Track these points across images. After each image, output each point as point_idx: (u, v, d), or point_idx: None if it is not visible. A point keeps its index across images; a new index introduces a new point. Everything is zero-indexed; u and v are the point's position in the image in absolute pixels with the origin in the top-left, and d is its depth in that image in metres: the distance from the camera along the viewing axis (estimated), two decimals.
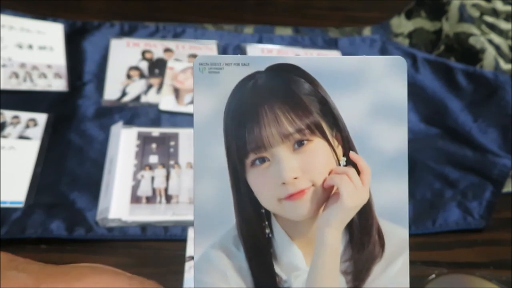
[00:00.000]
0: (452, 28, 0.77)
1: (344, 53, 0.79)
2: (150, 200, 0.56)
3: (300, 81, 0.22)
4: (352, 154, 0.22)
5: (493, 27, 0.78)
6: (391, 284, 0.22)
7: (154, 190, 0.57)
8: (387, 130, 0.22)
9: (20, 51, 0.69)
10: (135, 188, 0.57)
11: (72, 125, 0.63)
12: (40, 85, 0.67)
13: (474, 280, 0.51)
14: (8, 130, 0.61)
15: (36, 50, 0.70)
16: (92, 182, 0.57)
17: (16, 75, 0.67)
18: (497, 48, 0.75)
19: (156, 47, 0.75)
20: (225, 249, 0.22)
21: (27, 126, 0.62)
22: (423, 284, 0.50)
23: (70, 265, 0.22)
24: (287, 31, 0.83)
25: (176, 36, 0.78)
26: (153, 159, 0.60)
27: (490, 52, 0.72)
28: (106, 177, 0.58)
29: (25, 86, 0.66)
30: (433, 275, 0.50)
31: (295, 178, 0.22)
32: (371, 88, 0.22)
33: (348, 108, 0.22)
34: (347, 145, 0.22)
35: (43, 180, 0.57)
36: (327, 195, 0.22)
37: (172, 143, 0.62)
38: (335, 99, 0.22)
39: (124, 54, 0.73)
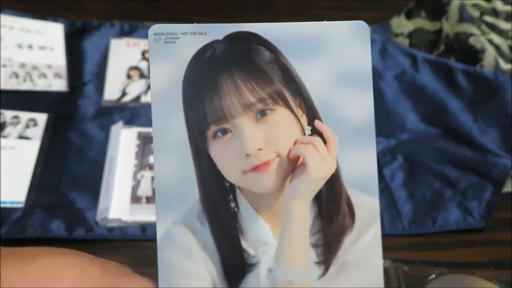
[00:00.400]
0: (452, 28, 0.77)
1: None
2: (150, 200, 0.56)
3: (260, 49, 0.21)
4: (317, 123, 0.22)
5: (493, 27, 0.78)
6: (363, 256, 0.21)
7: (154, 190, 0.57)
8: (352, 97, 0.22)
9: (20, 51, 0.69)
10: (135, 188, 0.57)
11: (72, 125, 0.63)
12: (40, 85, 0.67)
13: (474, 280, 0.51)
14: (8, 130, 0.61)
15: (36, 50, 0.70)
16: (92, 182, 0.57)
17: (16, 75, 0.67)
18: (497, 48, 0.75)
19: None
20: (189, 225, 0.21)
21: (27, 126, 0.62)
22: (423, 284, 0.50)
23: (25, 247, 0.22)
24: None
25: None
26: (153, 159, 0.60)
27: (490, 52, 0.72)
28: (106, 177, 0.58)
29: (25, 86, 0.66)
30: (433, 275, 0.50)
31: (259, 149, 0.21)
32: (334, 55, 0.21)
33: (311, 76, 0.21)
34: (312, 114, 0.22)
35: (43, 180, 0.57)
36: (293, 166, 0.21)
37: None
38: (297, 67, 0.21)
39: (124, 54, 0.73)
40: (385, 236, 0.59)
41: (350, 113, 0.22)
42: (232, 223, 0.21)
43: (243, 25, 0.21)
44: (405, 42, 0.82)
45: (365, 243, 0.21)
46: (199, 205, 0.21)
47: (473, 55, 0.73)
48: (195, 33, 0.21)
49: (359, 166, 0.21)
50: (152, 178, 0.58)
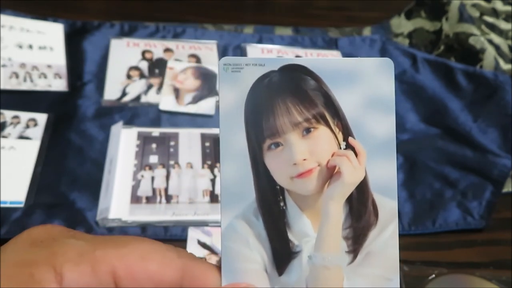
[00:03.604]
0: (452, 28, 0.77)
1: (344, 53, 0.79)
2: (150, 200, 0.56)
3: (307, 78, 0.26)
4: (350, 139, 0.27)
5: (493, 27, 0.78)
6: (384, 247, 0.27)
7: (154, 190, 0.57)
8: (378, 119, 0.27)
9: (20, 51, 0.69)
10: (135, 188, 0.57)
11: (72, 125, 0.63)
12: (40, 85, 0.67)
13: (474, 280, 0.51)
14: (8, 130, 0.61)
15: (36, 50, 0.70)
16: (92, 182, 0.57)
17: (16, 75, 0.67)
18: (497, 48, 0.75)
19: (156, 47, 0.75)
20: (247, 219, 0.26)
21: (27, 126, 0.62)
22: (423, 284, 0.50)
23: (116, 235, 0.26)
24: (287, 31, 0.83)
25: (176, 36, 0.78)
26: (153, 159, 0.60)
27: (490, 52, 0.72)
28: (106, 177, 0.58)
29: (25, 86, 0.66)
30: (433, 275, 0.50)
31: (304, 159, 0.26)
32: (365, 85, 0.27)
33: (346, 101, 0.27)
34: (346, 132, 0.27)
35: (43, 180, 0.57)
36: (330, 173, 0.26)
37: (172, 143, 0.62)
38: (336, 94, 0.27)
39: (124, 54, 0.73)
40: None
41: (376, 132, 0.27)
42: (281, 218, 0.27)
43: (295, 59, 0.27)
44: (405, 42, 0.82)
45: (386, 237, 0.27)
46: (255, 203, 0.26)
47: (473, 55, 0.73)
48: (256, 64, 0.26)
49: (383, 174, 0.27)
50: (152, 178, 0.58)
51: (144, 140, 0.62)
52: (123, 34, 0.77)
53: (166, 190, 0.57)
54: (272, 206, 0.27)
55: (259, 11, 0.88)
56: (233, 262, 0.26)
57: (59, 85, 0.68)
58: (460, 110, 0.68)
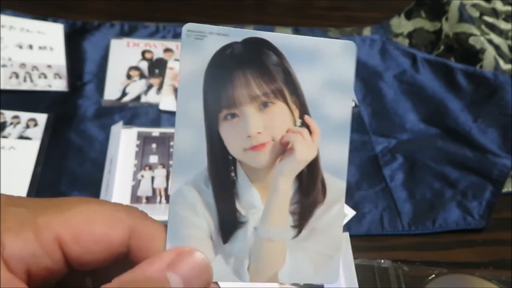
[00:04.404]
0: (452, 28, 0.77)
1: None
2: (150, 200, 0.56)
3: (269, 53, 0.26)
4: (306, 117, 0.27)
5: (493, 27, 0.78)
6: (328, 225, 0.27)
7: (154, 190, 0.57)
8: (335, 101, 0.27)
9: (20, 51, 0.69)
10: (135, 188, 0.57)
11: (72, 125, 0.63)
12: (40, 85, 0.67)
13: (474, 280, 0.51)
14: (8, 130, 0.61)
15: (36, 50, 0.70)
16: (92, 182, 0.57)
17: (16, 75, 0.67)
18: (497, 48, 0.75)
19: (156, 47, 0.75)
20: (197, 186, 0.26)
21: (27, 126, 0.62)
22: (423, 284, 0.50)
23: (60, 198, 0.25)
24: (287, 31, 0.83)
25: (176, 36, 0.78)
26: (153, 159, 0.60)
27: (490, 52, 0.72)
28: (106, 177, 0.58)
29: (25, 86, 0.66)
30: (433, 275, 0.50)
31: (259, 133, 0.26)
32: (325, 65, 0.27)
33: (306, 80, 0.27)
34: (303, 110, 0.27)
35: (43, 180, 0.57)
36: (283, 149, 0.27)
37: (172, 143, 0.62)
38: (296, 71, 0.27)
39: (124, 54, 0.73)
40: (385, 236, 0.60)
41: (332, 113, 0.27)
42: (230, 188, 0.27)
43: (259, 32, 0.26)
44: (405, 42, 0.82)
45: (331, 215, 0.27)
46: (206, 172, 0.26)
47: (473, 55, 0.73)
48: (219, 34, 0.26)
49: (334, 155, 0.27)
50: (152, 178, 0.58)
51: (144, 140, 0.62)
52: (123, 34, 0.77)
53: (166, 190, 0.57)
54: (223, 175, 0.27)
55: (259, 11, 0.88)
56: (179, 228, 0.26)
57: (59, 85, 0.68)
58: (460, 110, 0.68)
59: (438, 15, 0.80)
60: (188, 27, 0.26)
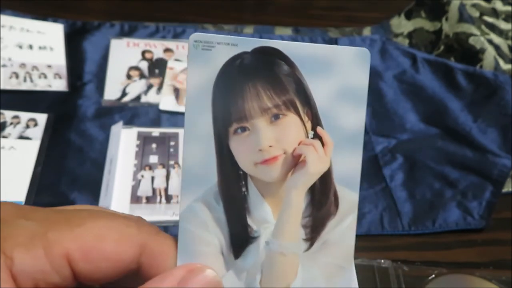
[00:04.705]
0: (452, 28, 0.77)
1: None
2: (150, 200, 0.56)
3: (280, 63, 0.25)
4: (319, 129, 0.26)
5: (493, 27, 0.78)
6: (341, 236, 0.26)
7: (154, 190, 0.57)
8: (349, 111, 0.26)
9: (20, 51, 0.69)
10: (135, 188, 0.57)
11: (72, 125, 0.63)
12: (40, 85, 0.67)
13: (474, 280, 0.51)
14: (8, 130, 0.61)
15: (36, 50, 0.70)
16: (92, 182, 0.57)
17: (16, 75, 0.67)
18: (497, 48, 0.75)
19: (156, 47, 0.75)
20: (207, 203, 0.26)
21: (27, 126, 0.62)
22: (423, 284, 0.50)
23: (71, 210, 0.25)
24: (287, 31, 0.83)
25: (176, 36, 0.78)
26: (153, 159, 0.60)
27: (490, 52, 0.72)
28: (106, 177, 0.58)
29: (25, 86, 0.66)
30: (433, 275, 0.50)
31: (270, 146, 0.26)
32: (338, 74, 0.26)
33: (319, 90, 0.26)
34: (316, 121, 0.26)
35: (43, 180, 0.57)
36: (295, 162, 0.26)
37: (172, 143, 0.62)
38: (308, 81, 0.26)
39: (124, 54, 0.73)
40: (385, 236, 0.59)
41: (345, 123, 0.26)
42: (242, 203, 0.26)
43: (269, 41, 0.25)
44: (405, 42, 0.82)
45: (343, 227, 0.26)
46: (217, 187, 0.26)
47: (473, 55, 0.73)
48: (228, 44, 0.25)
49: (347, 166, 0.26)
50: (152, 178, 0.58)
51: (144, 140, 0.62)
52: (123, 34, 0.77)
53: (166, 190, 0.57)
54: (233, 191, 0.26)
55: (259, 11, 0.88)
56: (189, 245, 0.25)
57: (59, 85, 0.68)
58: (460, 110, 0.68)
59: (438, 15, 0.80)
60: (195, 37, 0.24)
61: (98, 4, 0.84)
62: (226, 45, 0.25)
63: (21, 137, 0.60)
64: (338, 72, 0.25)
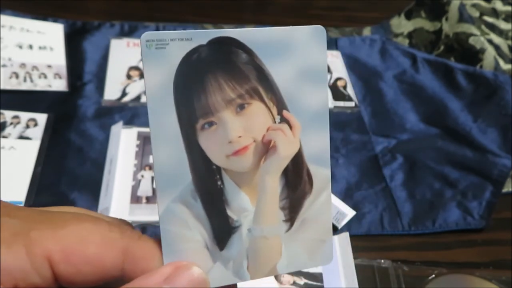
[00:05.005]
0: (452, 28, 0.77)
1: (344, 54, 0.79)
2: (150, 200, 0.56)
3: (238, 52, 0.25)
4: (285, 112, 0.26)
5: (493, 27, 0.78)
6: (318, 212, 0.27)
7: (154, 190, 0.57)
8: (311, 90, 0.26)
9: (20, 51, 0.69)
10: (135, 188, 0.57)
11: (72, 125, 0.63)
12: (40, 85, 0.67)
13: (474, 280, 0.51)
14: (8, 130, 0.61)
15: (36, 50, 0.70)
16: (92, 182, 0.57)
17: (16, 75, 0.67)
18: (497, 48, 0.75)
19: None
20: (184, 201, 0.26)
21: (27, 126, 0.62)
22: (423, 284, 0.50)
23: (55, 211, 0.25)
24: None
25: None
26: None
27: (490, 52, 0.72)
28: (106, 177, 0.58)
29: (25, 86, 0.66)
30: (433, 275, 0.51)
31: (239, 136, 0.26)
32: (297, 55, 0.26)
33: (279, 73, 0.26)
34: (281, 105, 0.26)
35: (43, 180, 0.57)
36: (266, 148, 0.26)
37: None
38: (268, 66, 0.26)
39: (124, 54, 0.73)
40: (385, 236, 0.59)
41: (309, 103, 0.26)
42: (219, 197, 0.26)
43: (224, 30, 0.24)
44: (405, 42, 0.82)
45: (319, 203, 0.27)
46: (192, 185, 0.26)
47: (473, 55, 0.73)
48: (182, 39, 0.24)
49: (316, 145, 0.27)
50: (152, 178, 0.58)
51: (144, 140, 0.62)
52: (123, 34, 0.77)
53: None
54: (209, 186, 0.26)
55: (259, 11, 0.88)
56: (173, 244, 0.25)
57: (59, 85, 0.68)
58: (460, 110, 0.68)
59: (438, 15, 0.80)
60: (147, 37, 0.24)
61: (98, 4, 0.84)
62: (180, 41, 0.24)
63: (21, 137, 0.60)
64: (296, 53, 0.26)
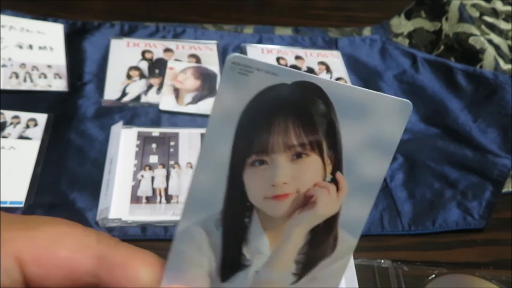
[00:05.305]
0: (452, 28, 0.77)
1: (344, 54, 0.79)
2: (150, 200, 0.56)
3: (318, 101, 0.24)
4: (338, 174, 0.25)
5: (493, 27, 0.78)
6: (330, 276, 0.27)
7: (154, 190, 0.57)
8: (373, 160, 0.25)
9: (20, 51, 0.69)
10: (135, 188, 0.57)
11: (72, 125, 0.63)
12: (40, 85, 0.67)
13: (474, 280, 0.51)
14: (8, 130, 0.61)
15: (36, 50, 0.70)
16: (92, 182, 0.57)
17: (16, 75, 0.67)
18: (497, 48, 0.75)
19: (156, 47, 0.75)
20: (206, 228, 0.25)
21: (27, 126, 0.62)
22: (423, 284, 0.50)
23: (31, 216, 0.24)
24: (287, 31, 0.83)
25: (176, 36, 0.78)
26: (153, 159, 0.60)
27: (490, 52, 0.72)
28: (106, 177, 0.58)
29: (25, 86, 0.66)
30: (433, 275, 0.51)
31: (284, 183, 0.25)
32: (374, 122, 0.24)
33: (349, 135, 0.24)
34: (337, 166, 0.25)
35: (43, 180, 0.57)
36: (306, 202, 0.25)
37: (172, 143, 0.62)
38: (341, 124, 0.24)
39: (124, 54, 0.73)
40: (385, 236, 0.59)
41: (365, 173, 0.25)
42: (241, 233, 0.26)
43: (313, 76, 0.23)
44: (405, 42, 0.82)
45: (334, 268, 0.27)
46: (219, 215, 0.25)
47: (473, 55, 0.73)
48: (268, 72, 0.23)
49: (355, 214, 0.26)
50: (152, 178, 0.58)
51: (144, 140, 0.62)
52: (123, 34, 0.77)
53: (166, 190, 0.57)
54: (236, 220, 0.25)
55: (259, 11, 0.88)
56: (179, 264, 0.25)
57: (59, 85, 0.68)
58: (460, 110, 0.68)
59: (438, 15, 0.80)
60: (234, 59, 0.22)
61: (98, 4, 0.84)
62: (265, 73, 0.23)
63: (21, 137, 0.60)
64: (374, 120, 0.24)
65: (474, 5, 0.80)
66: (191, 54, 0.75)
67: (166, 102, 0.67)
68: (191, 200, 0.25)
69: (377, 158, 0.25)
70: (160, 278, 0.24)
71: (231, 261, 0.26)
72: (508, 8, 0.82)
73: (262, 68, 0.23)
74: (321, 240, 0.26)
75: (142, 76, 0.71)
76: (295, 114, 0.24)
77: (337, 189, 0.25)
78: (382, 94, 0.24)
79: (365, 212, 0.26)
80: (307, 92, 0.24)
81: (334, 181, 0.25)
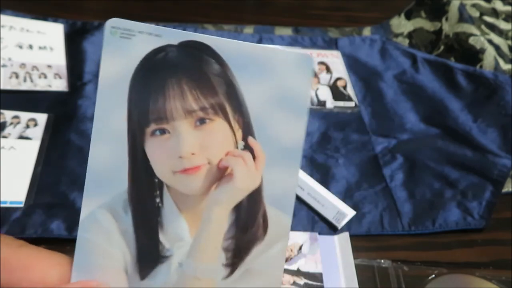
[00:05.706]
0: (452, 28, 0.77)
1: (344, 54, 0.79)
2: None
3: (210, 60, 0.22)
4: (250, 139, 0.23)
5: (493, 27, 0.78)
6: (267, 265, 0.23)
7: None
8: (286, 121, 0.23)
9: (20, 51, 0.69)
10: None
11: (72, 125, 0.63)
12: (40, 85, 0.67)
13: (474, 280, 0.51)
14: (8, 130, 0.61)
15: (36, 50, 0.70)
16: None
17: (16, 75, 0.67)
18: (497, 48, 0.75)
19: None
20: (113, 211, 0.23)
21: (27, 126, 0.62)
22: (423, 284, 0.50)
23: None
24: (287, 31, 0.83)
25: None
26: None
27: (490, 52, 0.72)
28: None
29: (25, 86, 0.66)
30: (433, 275, 0.51)
31: (192, 153, 0.23)
32: (277, 79, 0.23)
33: (253, 95, 0.23)
34: (247, 130, 0.23)
35: (43, 180, 0.57)
36: (220, 174, 0.23)
37: None
38: (242, 84, 0.23)
39: None
40: (385, 236, 0.59)
41: (281, 135, 0.23)
42: (154, 216, 0.23)
43: (199, 35, 0.22)
44: (405, 42, 0.82)
45: (271, 255, 0.23)
46: (126, 195, 0.23)
47: (473, 55, 0.73)
48: (151, 34, 0.22)
49: (281, 186, 0.23)
50: None
51: None
52: None
53: None
54: (145, 200, 0.23)
55: (259, 11, 0.88)
56: (88, 257, 0.22)
57: (59, 85, 0.68)
58: (460, 110, 0.68)
59: (438, 15, 0.80)
60: (113, 23, 0.22)
61: (98, 4, 0.84)
62: (148, 35, 0.22)
63: (21, 137, 0.60)
64: (276, 77, 0.23)
65: (474, 5, 0.80)
66: None
67: None
68: (91, 180, 0.23)
69: (290, 118, 0.23)
70: (69, 277, 0.22)
71: (148, 252, 0.23)
72: (508, 8, 0.82)
73: (144, 30, 0.22)
74: (248, 221, 0.23)
75: None
76: (188, 75, 0.22)
77: (254, 157, 0.23)
78: (279, 49, 0.23)
79: (293, 183, 0.23)
80: (197, 52, 0.22)
81: (248, 148, 0.23)
